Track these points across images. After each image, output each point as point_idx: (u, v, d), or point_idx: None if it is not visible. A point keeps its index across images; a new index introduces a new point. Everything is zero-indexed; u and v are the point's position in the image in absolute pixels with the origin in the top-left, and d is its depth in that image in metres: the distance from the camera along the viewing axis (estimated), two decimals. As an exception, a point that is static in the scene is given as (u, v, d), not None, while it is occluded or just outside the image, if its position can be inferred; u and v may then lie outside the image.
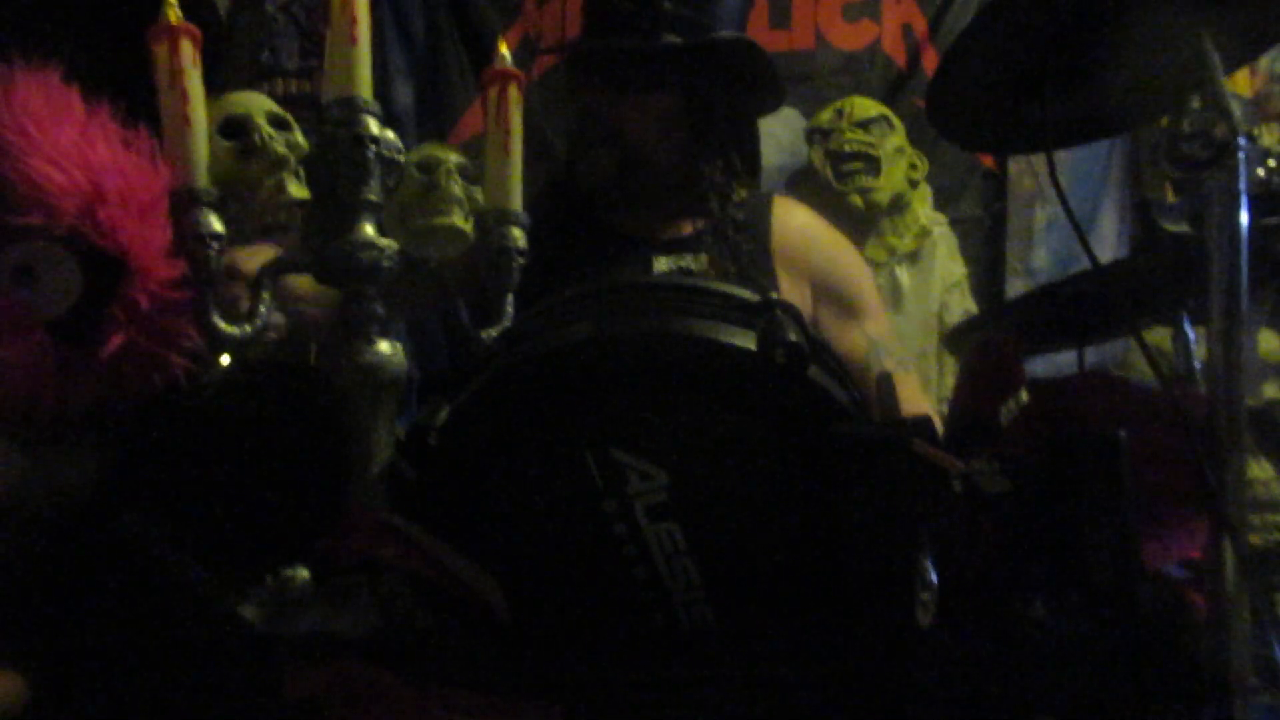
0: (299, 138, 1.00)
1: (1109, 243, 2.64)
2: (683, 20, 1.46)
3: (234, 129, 0.97)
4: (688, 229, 1.60)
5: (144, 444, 0.88)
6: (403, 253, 1.00)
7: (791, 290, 1.56)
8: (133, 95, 0.93)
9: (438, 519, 0.85)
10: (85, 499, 0.85)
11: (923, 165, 2.37)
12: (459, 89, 2.63)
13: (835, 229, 1.71)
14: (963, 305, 2.44)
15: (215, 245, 0.91)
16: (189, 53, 0.91)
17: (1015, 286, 2.57)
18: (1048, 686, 0.79)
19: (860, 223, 2.34)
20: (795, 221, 1.66)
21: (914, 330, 2.37)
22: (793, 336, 0.78)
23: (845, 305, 1.61)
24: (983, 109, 1.08)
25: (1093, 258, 1.00)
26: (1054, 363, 1.94)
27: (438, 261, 1.06)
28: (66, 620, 0.79)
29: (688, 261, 1.56)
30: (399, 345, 1.00)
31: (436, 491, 0.87)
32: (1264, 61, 2.58)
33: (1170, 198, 2.32)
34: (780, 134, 2.59)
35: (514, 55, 1.06)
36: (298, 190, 1.00)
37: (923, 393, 1.68)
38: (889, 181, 2.31)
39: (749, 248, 1.57)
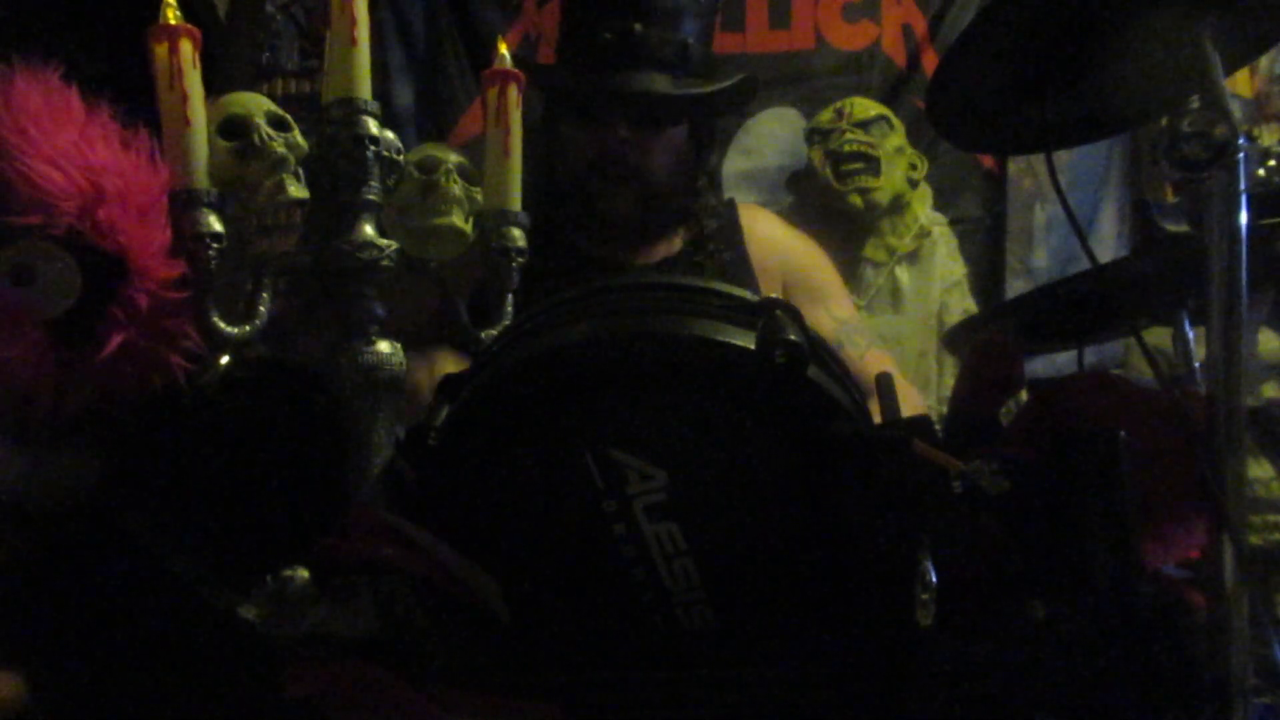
0: (299, 138, 1.00)
1: (1109, 243, 2.64)
2: (662, 43, 1.48)
3: (234, 129, 0.97)
4: (663, 253, 1.63)
5: (144, 444, 0.88)
6: (403, 253, 1.00)
7: (768, 293, 1.58)
8: (133, 95, 0.93)
9: (438, 519, 0.85)
10: (85, 499, 0.85)
11: (923, 165, 2.37)
12: (459, 89, 2.63)
13: (795, 227, 1.78)
14: (963, 305, 2.44)
15: (215, 245, 0.91)
16: (189, 53, 0.91)
17: (1015, 286, 2.57)
18: (1048, 686, 0.79)
19: (860, 223, 2.34)
20: (763, 227, 1.72)
21: (914, 330, 2.37)
22: (792, 336, 0.78)
23: (810, 291, 1.67)
24: (983, 109, 1.08)
25: (1093, 258, 1.01)
26: (1054, 363, 1.95)
27: (438, 261, 1.06)
28: (66, 620, 0.79)
29: None
30: (399, 345, 1.00)
31: (436, 491, 0.87)
32: (1264, 62, 2.57)
33: (1170, 198, 2.32)
34: (780, 134, 2.59)
35: (514, 55, 1.06)
36: (298, 190, 1.00)
37: (894, 366, 1.70)
38: (889, 181, 2.31)
39: (729, 257, 1.62)
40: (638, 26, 1.46)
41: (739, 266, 1.63)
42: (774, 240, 1.70)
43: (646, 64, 1.48)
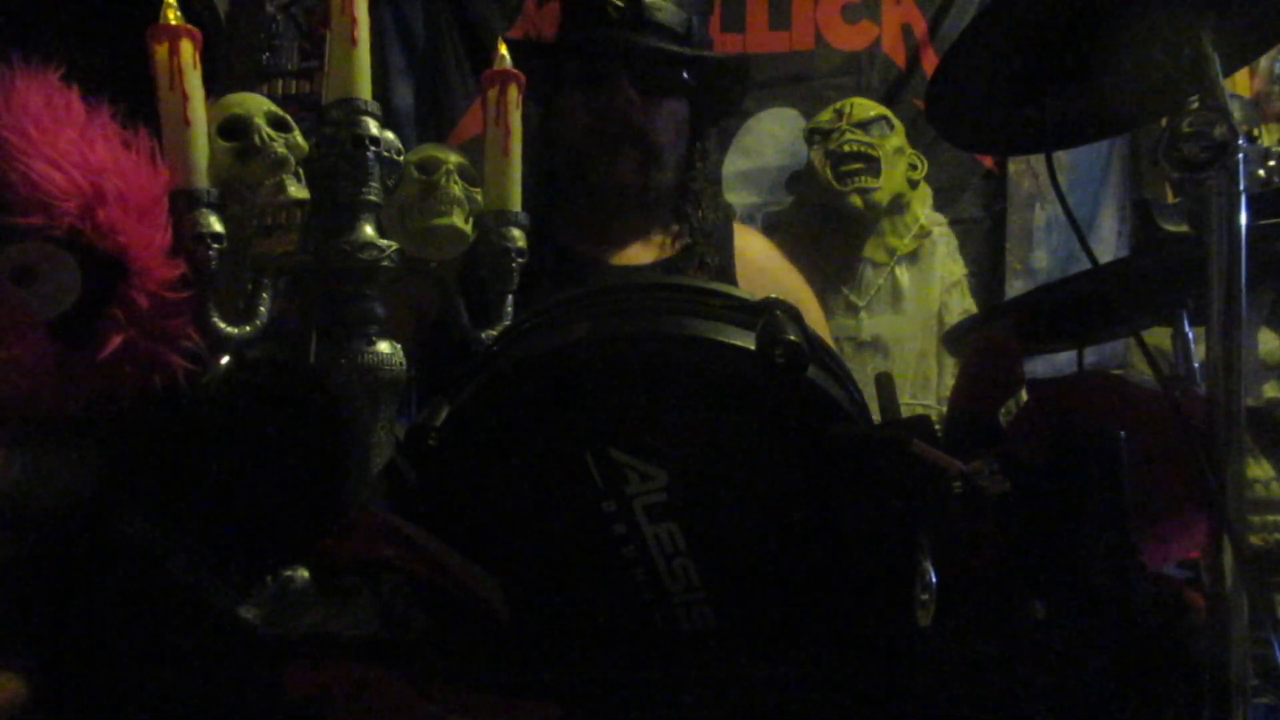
0: (299, 138, 1.00)
1: (1109, 243, 2.64)
2: (669, 12, 1.53)
3: (234, 129, 0.97)
4: (654, 254, 1.64)
5: (144, 444, 0.88)
6: (403, 253, 1.00)
7: None
8: (133, 95, 0.93)
9: (438, 519, 0.85)
10: (85, 499, 0.85)
11: (923, 165, 2.37)
12: (459, 89, 2.63)
13: (787, 258, 1.79)
14: (963, 305, 2.44)
15: (215, 245, 0.91)
16: (189, 53, 0.91)
17: (1015, 286, 2.57)
18: (1048, 686, 0.79)
19: (860, 223, 2.34)
20: (753, 248, 1.73)
21: (914, 330, 2.37)
22: (792, 336, 0.78)
23: None
24: (983, 109, 1.08)
25: (1092, 258, 1.00)
26: (1054, 363, 1.95)
27: (438, 262, 1.06)
28: (66, 620, 0.79)
29: None
30: (399, 345, 1.00)
31: (436, 491, 0.87)
32: (1264, 61, 2.57)
33: (1170, 198, 2.32)
34: (780, 134, 2.60)
35: (513, 38, 1.06)
36: (298, 191, 1.00)
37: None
38: (889, 181, 2.31)
39: (717, 264, 1.63)
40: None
41: (725, 281, 1.63)
42: (762, 268, 1.71)
43: (655, 30, 1.52)
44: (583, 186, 1.58)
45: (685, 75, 1.57)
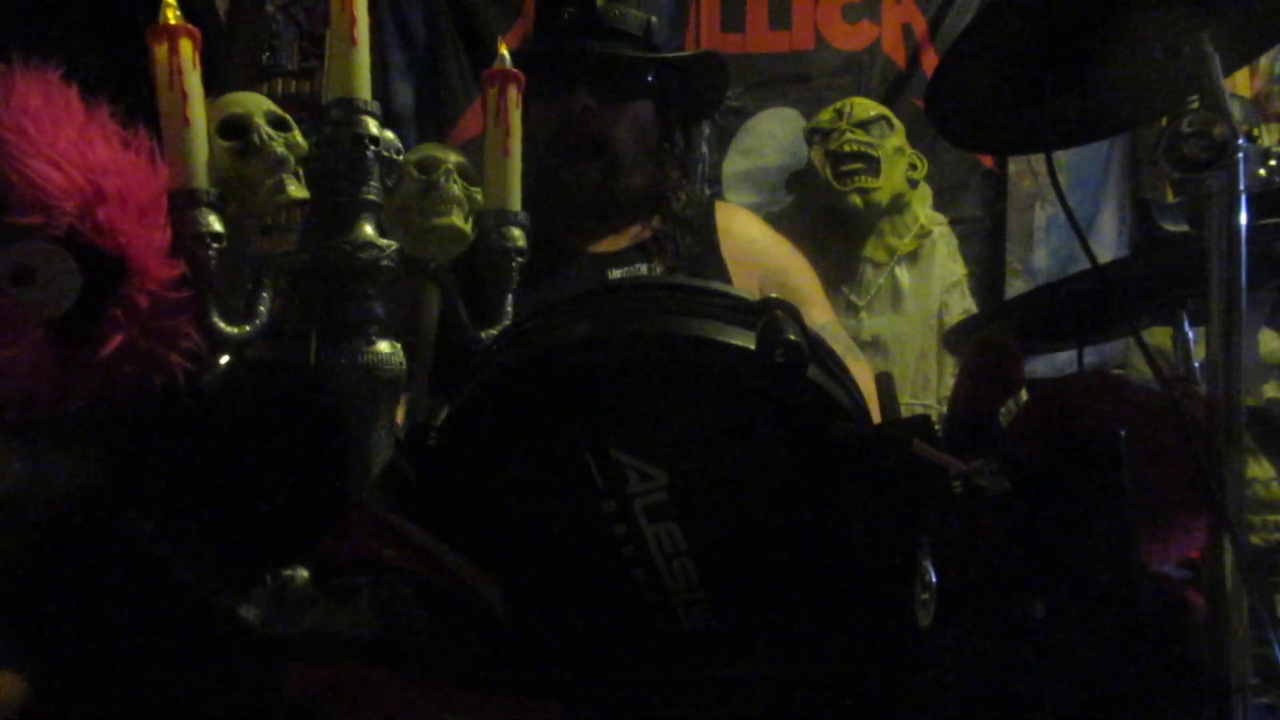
0: (299, 138, 1.00)
1: (1109, 243, 2.64)
2: (623, 16, 1.53)
3: (234, 129, 0.97)
4: (628, 240, 1.65)
5: (144, 443, 0.88)
6: (402, 252, 1.00)
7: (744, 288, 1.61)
8: (133, 95, 0.93)
9: (438, 519, 0.85)
10: (85, 499, 0.85)
11: (923, 165, 2.37)
12: (459, 89, 2.64)
13: (776, 230, 1.79)
14: (963, 305, 2.44)
15: (215, 245, 0.91)
16: (189, 53, 0.91)
17: (1015, 286, 2.58)
18: (1048, 686, 0.79)
19: (860, 223, 2.34)
20: (739, 223, 1.73)
21: (914, 330, 2.37)
22: (792, 336, 0.78)
23: (786, 294, 1.67)
24: (983, 109, 1.08)
25: (1092, 258, 1.00)
26: (1054, 363, 1.95)
27: (438, 262, 1.06)
28: (66, 620, 0.79)
29: (640, 271, 1.61)
30: (398, 345, 1.00)
31: (436, 491, 0.87)
32: (1264, 61, 2.58)
33: (1170, 198, 2.32)
34: (780, 134, 2.60)
35: (514, 55, 1.06)
36: (298, 190, 1.00)
37: (868, 374, 1.73)
38: (889, 181, 2.30)
39: (698, 250, 1.63)
40: (599, 2, 1.52)
41: (711, 262, 1.63)
42: (750, 240, 1.71)
43: (608, 35, 1.52)
44: (553, 187, 1.59)
45: (648, 78, 1.57)
